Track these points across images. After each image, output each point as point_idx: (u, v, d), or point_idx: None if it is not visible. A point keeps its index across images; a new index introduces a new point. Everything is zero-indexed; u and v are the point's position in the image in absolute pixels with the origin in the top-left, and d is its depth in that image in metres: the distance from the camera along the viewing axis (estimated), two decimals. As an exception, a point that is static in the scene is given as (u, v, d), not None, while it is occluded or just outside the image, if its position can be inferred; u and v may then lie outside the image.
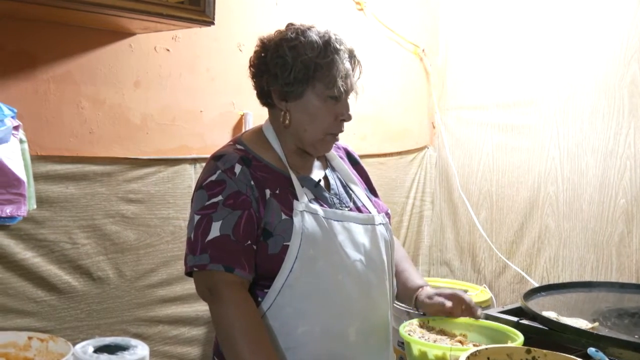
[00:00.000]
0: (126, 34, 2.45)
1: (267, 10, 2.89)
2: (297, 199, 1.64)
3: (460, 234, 3.70)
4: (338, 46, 1.65)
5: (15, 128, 2.01)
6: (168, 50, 2.58)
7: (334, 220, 1.66)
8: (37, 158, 2.25)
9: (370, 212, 1.77)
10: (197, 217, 1.60)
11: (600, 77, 3.05)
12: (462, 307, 1.76)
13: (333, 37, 1.65)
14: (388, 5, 3.46)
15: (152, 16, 2.12)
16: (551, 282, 3.16)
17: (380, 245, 1.74)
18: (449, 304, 1.75)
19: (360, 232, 1.70)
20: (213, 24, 2.27)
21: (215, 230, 1.56)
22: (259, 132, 1.76)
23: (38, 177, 2.22)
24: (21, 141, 2.04)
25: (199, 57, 2.68)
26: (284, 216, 1.61)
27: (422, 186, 3.78)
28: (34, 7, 2.02)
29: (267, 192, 1.63)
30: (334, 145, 1.90)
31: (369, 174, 1.98)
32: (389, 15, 3.45)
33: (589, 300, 2.30)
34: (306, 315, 1.60)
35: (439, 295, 1.77)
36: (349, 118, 1.70)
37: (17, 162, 1.97)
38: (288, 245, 1.58)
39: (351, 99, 1.74)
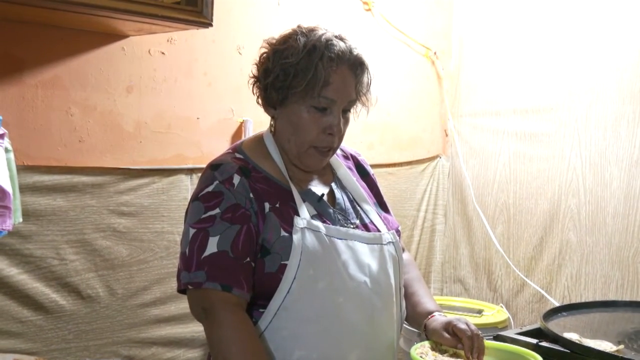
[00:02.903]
0: (118, 36, 2.46)
1: (269, 10, 2.90)
2: (298, 215, 1.62)
3: (475, 250, 3.69)
4: (329, 52, 1.60)
5: (0, 136, 2.02)
6: (163, 53, 2.59)
7: (337, 238, 1.64)
8: (23, 168, 2.25)
9: (378, 230, 1.75)
10: (192, 231, 1.59)
11: (624, 82, 3.05)
12: (472, 349, 1.68)
13: (325, 42, 1.61)
14: (397, 5, 3.47)
15: (146, 17, 2.13)
16: (573, 301, 3.15)
17: (388, 266, 1.71)
18: (460, 346, 1.69)
19: (365, 252, 1.68)
20: (211, 25, 2.28)
21: (212, 246, 1.55)
22: (259, 140, 1.75)
23: (24, 189, 2.23)
24: (7, 150, 2.05)
25: (196, 60, 2.69)
26: (283, 233, 1.59)
27: (434, 198, 3.78)
28: (21, 8, 2.03)
29: (267, 205, 1.62)
30: (341, 153, 1.89)
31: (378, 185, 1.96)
32: (398, 16, 3.46)
33: (613, 321, 2.29)
34: (303, 339, 1.58)
35: (454, 327, 1.70)
36: (338, 132, 1.65)
37: (2, 173, 1.98)
38: (286, 265, 1.57)
39: (359, 111, 1.73)
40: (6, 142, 2.05)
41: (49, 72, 2.33)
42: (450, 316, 1.75)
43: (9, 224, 2.00)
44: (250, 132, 2.75)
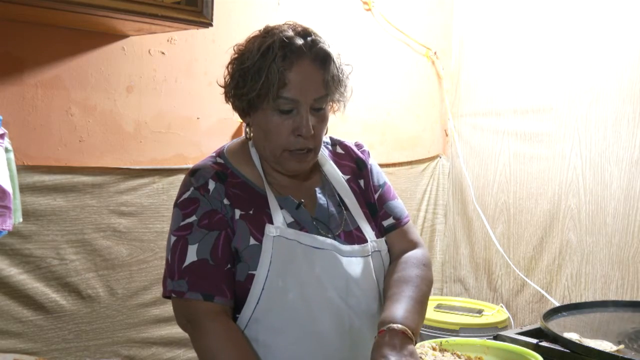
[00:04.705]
0: (119, 36, 2.46)
1: (269, 10, 2.90)
2: (272, 222, 1.58)
3: (475, 250, 3.69)
4: (283, 51, 1.51)
5: (1, 136, 2.02)
6: (163, 53, 2.59)
7: (315, 248, 1.58)
8: (23, 168, 2.25)
9: (364, 238, 1.67)
10: (173, 239, 1.58)
11: (624, 82, 3.05)
12: None
13: (280, 41, 1.52)
14: (398, 5, 3.47)
15: (146, 17, 2.12)
16: (573, 301, 3.15)
17: (371, 277, 1.65)
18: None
19: (346, 263, 1.60)
20: (211, 25, 2.28)
21: (192, 255, 1.54)
22: (244, 144, 1.71)
23: (24, 189, 2.23)
24: (7, 150, 2.05)
25: (196, 60, 2.69)
26: (252, 241, 1.56)
27: (435, 198, 3.78)
28: (21, 7, 2.03)
29: (237, 212, 1.59)
30: (339, 152, 1.81)
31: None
32: (398, 16, 3.46)
33: (613, 321, 2.29)
34: (275, 350, 1.56)
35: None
36: (307, 133, 1.55)
37: (3, 173, 1.98)
38: (254, 275, 1.54)
39: (339, 108, 1.65)
40: (6, 142, 2.05)
41: (49, 72, 2.33)
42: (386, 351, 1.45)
43: (9, 224, 2.00)
44: (250, 132, 2.75)
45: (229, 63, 1.62)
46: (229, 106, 1.64)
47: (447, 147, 3.82)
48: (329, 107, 1.63)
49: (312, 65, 1.55)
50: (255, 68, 1.52)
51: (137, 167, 2.54)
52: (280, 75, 1.51)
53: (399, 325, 1.48)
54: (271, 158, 1.62)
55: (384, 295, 1.64)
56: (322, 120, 1.60)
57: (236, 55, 1.60)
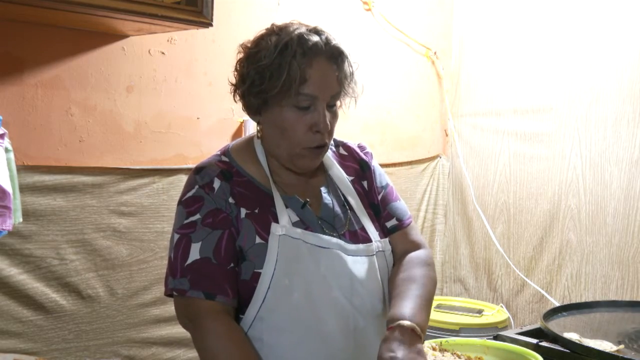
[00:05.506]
0: (118, 36, 2.46)
1: (269, 10, 2.90)
2: (277, 222, 1.58)
3: (475, 250, 3.69)
4: (302, 48, 1.52)
5: (1, 136, 2.02)
6: (163, 53, 2.59)
7: (320, 247, 1.58)
8: (23, 168, 2.25)
9: (369, 238, 1.67)
10: (176, 237, 1.58)
11: (624, 82, 3.05)
12: None
13: (297, 38, 1.53)
14: (398, 5, 3.48)
15: (146, 17, 2.12)
16: (573, 301, 3.15)
17: (376, 277, 1.64)
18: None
19: (351, 263, 1.60)
20: (211, 25, 2.28)
21: (194, 253, 1.53)
22: (249, 142, 1.70)
23: (24, 189, 2.23)
24: (7, 150, 2.05)
25: (196, 60, 2.69)
26: (258, 240, 1.56)
27: (434, 198, 3.78)
28: (21, 7, 2.03)
29: (243, 210, 1.58)
30: (342, 153, 1.82)
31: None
32: (398, 16, 3.46)
33: (613, 321, 2.29)
34: (280, 350, 1.55)
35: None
36: (325, 129, 1.57)
37: (3, 173, 1.98)
38: (260, 273, 1.54)
39: (348, 103, 1.66)
40: (6, 142, 2.05)
41: (49, 72, 2.33)
42: (394, 345, 1.45)
43: (9, 224, 2.00)
44: (249, 132, 2.75)
45: (240, 62, 1.61)
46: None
47: (447, 147, 3.82)
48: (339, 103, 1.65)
49: (328, 63, 1.56)
50: (274, 65, 1.52)
51: (137, 167, 2.54)
52: (302, 72, 1.52)
53: (409, 322, 1.48)
54: (285, 156, 1.61)
55: (390, 295, 1.64)
56: (335, 116, 1.63)
57: (248, 54, 1.58)
